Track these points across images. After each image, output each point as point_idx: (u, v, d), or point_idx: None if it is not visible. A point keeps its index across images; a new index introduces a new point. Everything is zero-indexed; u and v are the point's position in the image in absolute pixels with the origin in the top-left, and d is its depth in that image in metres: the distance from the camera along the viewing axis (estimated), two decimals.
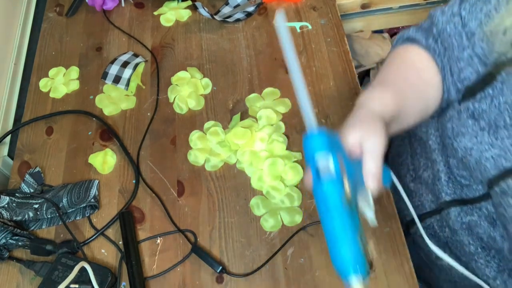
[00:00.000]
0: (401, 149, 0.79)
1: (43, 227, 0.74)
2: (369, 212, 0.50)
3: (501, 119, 0.53)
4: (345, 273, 0.44)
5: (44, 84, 0.90)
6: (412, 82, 0.62)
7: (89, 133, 0.83)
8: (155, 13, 0.98)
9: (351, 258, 0.44)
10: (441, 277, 0.73)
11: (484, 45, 0.56)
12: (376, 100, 0.57)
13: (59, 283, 0.63)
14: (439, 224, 0.69)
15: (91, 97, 0.88)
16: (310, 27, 0.91)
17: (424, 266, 0.73)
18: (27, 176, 0.78)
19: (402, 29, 1.45)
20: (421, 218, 0.71)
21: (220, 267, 0.66)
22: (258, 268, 0.67)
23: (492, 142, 0.54)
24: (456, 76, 0.62)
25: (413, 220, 0.63)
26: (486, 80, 0.56)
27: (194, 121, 0.83)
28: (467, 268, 0.65)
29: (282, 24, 0.49)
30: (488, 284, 0.62)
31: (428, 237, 0.68)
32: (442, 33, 0.62)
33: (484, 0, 0.57)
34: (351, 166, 0.49)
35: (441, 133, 0.65)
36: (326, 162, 0.46)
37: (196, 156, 0.78)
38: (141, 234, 0.72)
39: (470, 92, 0.59)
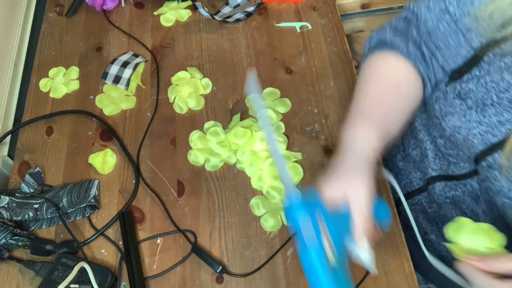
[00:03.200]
0: None
1: (43, 227, 0.74)
2: (365, 258, 0.50)
3: (488, 97, 0.55)
4: None
5: (44, 84, 0.90)
6: (394, 104, 0.62)
7: (89, 133, 0.83)
8: (155, 13, 0.98)
9: None
10: (432, 254, 0.76)
11: (474, 34, 0.57)
12: (362, 142, 0.56)
13: (59, 283, 0.63)
14: (427, 201, 0.72)
15: (91, 97, 0.88)
16: (310, 27, 0.91)
17: (414, 245, 0.74)
18: (27, 176, 0.78)
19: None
20: (410, 195, 0.73)
21: (220, 267, 0.66)
22: (258, 268, 0.67)
23: (480, 119, 0.55)
24: (442, 63, 0.63)
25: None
26: (472, 62, 0.58)
27: (194, 121, 0.83)
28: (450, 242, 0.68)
29: (254, 89, 0.53)
30: None
31: (417, 213, 0.73)
32: (434, 32, 0.61)
33: None
34: (336, 220, 0.49)
35: (428, 114, 0.67)
36: (308, 231, 0.47)
37: (196, 156, 0.78)
38: (141, 234, 0.72)
39: (457, 74, 0.60)
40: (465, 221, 0.53)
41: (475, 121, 0.56)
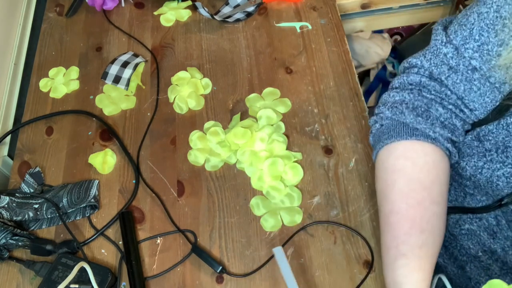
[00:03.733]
0: None
1: (43, 227, 0.74)
2: None
3: (510, 139, 0.50)
4: None
5: (44, 84, 0.90)
6: (432, 219, 0.53)
7: (89, 133, 0.83)
8: (155, 13, 0.98)
9: None
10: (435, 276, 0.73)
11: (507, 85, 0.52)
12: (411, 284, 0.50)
13: (59, 283, 0.63)
14: None
15: (91, 97, 0.88)
16: (310, 27, 0.91)
17: None
18: (27, 176, 0.78)
19: (401, 30, 1.45)
20: None
21: (220, 267, 0.66)
22: (258, 268, 0.67)
23: (503, 160, 0.51)
24: (474, 119, 0.57)
25: None
26: (502, 111, 0.53)
27: (194, 121, 0.83)
28: (462, 268, 0.65)
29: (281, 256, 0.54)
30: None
31: None
32: (468, 94, 0.55)
33: (484, 41, 0.52)
34: None
35: None
36: None
37: (196, 156, 0.78)
38: (141, 234, 0.72)
39: (482, 121, 0.56)
40: (497, 283, 0.47)
41: (498, 161, 0.51)
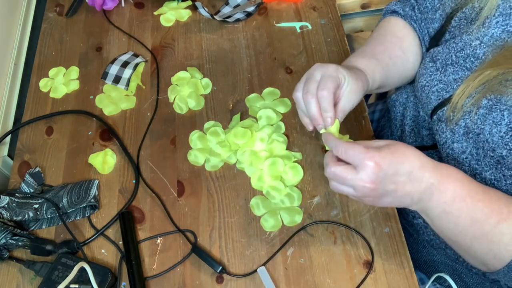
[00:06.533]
0: (383, 125, 0.90)
1: (43, 227, 0.74)
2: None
3: (449, 57, 0.61)
4: None
5: (44, 84, 0.90)
6: (394, 54, 0.71)
7: (89, 133, 0.83)
8: (155, 13, 0.98)
9: None
10: (419, 238, 0.76)
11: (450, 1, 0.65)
12: (349, 61, 0.66)
13: (59, 283, 0.63)
14: None
15: (91, 97, 0.88)
16: (310, 27, 0.91)
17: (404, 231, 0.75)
18: (27, 176, 0.78)
19: None
20: None
21: (220, 267, 0.66)
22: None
23: (440, 79, 0.62)
24: (427, 26, 0.71)
25: None
26: (444, 27, 0.66)
27: (194, 121, 0.83)
28: None
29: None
30: None
31: None
32: None
33: None
34: None
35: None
36: None
37: (196, 156, 0.78)
38: (141, 234, 0.72)
39: (434, 41, 0.68)
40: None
41: (437, 80, 0.62)
